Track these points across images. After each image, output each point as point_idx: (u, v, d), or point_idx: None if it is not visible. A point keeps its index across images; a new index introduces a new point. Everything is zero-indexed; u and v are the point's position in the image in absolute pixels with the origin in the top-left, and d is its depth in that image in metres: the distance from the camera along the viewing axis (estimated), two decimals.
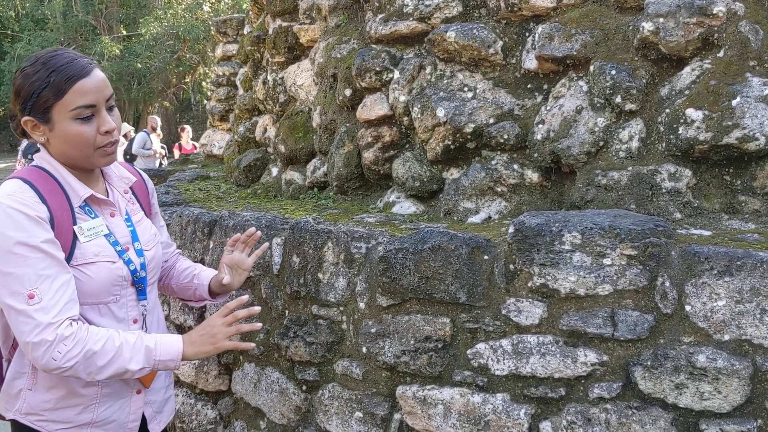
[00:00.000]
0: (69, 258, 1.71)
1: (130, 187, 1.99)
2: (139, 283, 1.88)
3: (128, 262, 1.83)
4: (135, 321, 1.89)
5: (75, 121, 1.70)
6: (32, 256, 1.62)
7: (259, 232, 2.15)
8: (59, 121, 1.70)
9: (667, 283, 1.92)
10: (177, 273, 2.22)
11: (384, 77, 3.02)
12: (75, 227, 1.75)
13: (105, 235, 1.80)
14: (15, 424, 1.83)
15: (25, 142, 8.83)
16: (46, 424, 1.79)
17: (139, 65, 22.91)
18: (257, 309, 1.91)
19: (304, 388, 2.53)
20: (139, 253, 1.88)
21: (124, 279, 1.83)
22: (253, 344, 1.95)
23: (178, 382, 3.17)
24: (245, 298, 1.91)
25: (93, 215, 1.81)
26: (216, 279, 2.14)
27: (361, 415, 2.36)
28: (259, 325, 1.96)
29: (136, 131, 14.44)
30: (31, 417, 1.79)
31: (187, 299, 2.26)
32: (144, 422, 1.97)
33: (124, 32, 25.58)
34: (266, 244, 2.19)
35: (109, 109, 1.77)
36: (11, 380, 1.81)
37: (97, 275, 1.76)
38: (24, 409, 1.79)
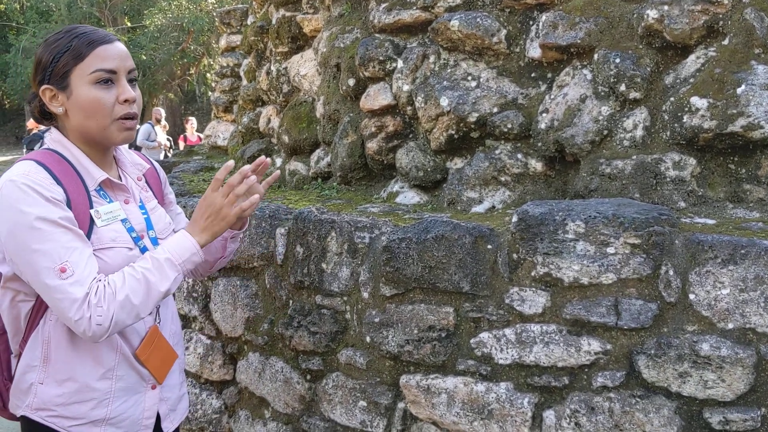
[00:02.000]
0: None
1: (143, 175, 1.93)
2: None
3: (143, 250, 1.77)
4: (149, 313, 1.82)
5: (93, 85, 1.65)
6: (54, 230, 1.57)
7: (268, 160, 2.04)
8: (77, 86, 1.65)
9: (671, 272, 1.92)
10: None
11: (387, 67, 3.01)
12: (92, 211, 1.69)
13: (121, 221, 1.75)
14: (25, 420, 1.75)
15: (34, 134, 8.84)
16: (58, 420, 1.70)
17: (144, 57, 22.91)
18: (265, 161, 1.95)
19: (308, 377, 2.54)
20: (154, 241, 1.83)
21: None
22: (258, 196, 1.85)
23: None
24: (246, 168, 1.87)
25: (109, 200, 1.76)
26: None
27: (365, 404, 2.36)
28: (257, 197, 1.87)
29: (141, 123, 14.45)
30: (42, 413, 1.70)
31: (216, 258, 2.10)
32: (158, 421, 1.89)
33: (129, 24, 25.56)
34: (277, 172, 2.10)
35: (130, 81, 1.73)
36: (22, 374, 1.72)
37: (113, 260, 1.70)
38: (35, 404, 1.71)
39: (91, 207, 1.69)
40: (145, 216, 1.84)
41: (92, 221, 1.68)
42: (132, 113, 1.71)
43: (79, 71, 1.65)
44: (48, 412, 1.70)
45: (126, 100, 1.69)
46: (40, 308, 1.69)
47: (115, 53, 1.68)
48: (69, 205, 1.63)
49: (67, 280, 1.56)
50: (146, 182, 1.94)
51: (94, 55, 1.65)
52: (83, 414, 1.71)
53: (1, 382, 1.79)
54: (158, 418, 1.88)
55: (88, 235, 1.66)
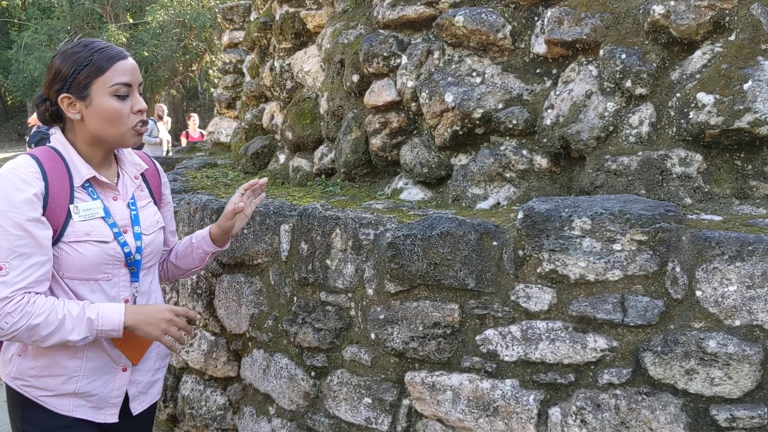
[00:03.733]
0: (61, 233, 1.81)
1: (142, 174, 2.09)
2: (132, 266, 1.97)
3: (123, 244, 1.92)
4: (126, 301, 1.97)
5: (112, 97, 1.84)
6: (14, 232, 1.72)
7: (265, 179, 2.29)
8: (97, 96, 1.83)
9: (678, 269, 1.91)
10: (175, 250, 2.31)
11: (392, 63, 3.00)
12: (71, 206, 1.84)
13: (102, 218, 1.89)
14: (7, 387, 1.94)
15: (32, 131, 8.87)
16: (31, 389, 1.89)
17: (146, 53, 22.89)
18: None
19: (312, 374, 2.54)
20: (137, 236, 1.97)
21: (116, 259, 1.91)
22: (180, 346, 1.97)
23: (186, 368, 3.18)
24: (193, 314, 2.08)
25: (95, 197, 1.91)
26: (218, 225, 2.24)
27: (369, 401, 2.36)
28: (180, 347, 2.03)
29: None
30: (17, 381, 1.90)
31: (190, 268, 2.33)
32: (127, 400, 2.04)
33: (131, 20, 25.55)
34: (263, 194, 2.34)
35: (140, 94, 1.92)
36: (8, 345, 1.94)
37: (87, 252, 1.85)
38: (13, 373, 1.90)
39: (72, 202, 1.85)
40: (134, 213, 2.00)
41: (69, 215, 1.84)
42: (143, 120, 1.92)
43: (99, 83, 1.83)
44: (22, 382, 1.90)
45: (139, 110, 1.89)
46: None
47: (130, 68, 1.87)
48: (47, 198, 1.79)
49: None
50: (144, 181, 2.11)
51: (114, 69, 1.84)
52: (53, 387, 1.89)
53: None
54: (126, 398, 2.03)
55: (64, 228, 1.82)
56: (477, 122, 2.70)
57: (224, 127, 6.33)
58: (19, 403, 1.91)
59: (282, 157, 4.15)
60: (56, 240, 1.81)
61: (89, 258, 1.86)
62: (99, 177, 1.92)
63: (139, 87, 1.91)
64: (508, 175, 2.67)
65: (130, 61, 1.89)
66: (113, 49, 1.87)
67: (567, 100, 2.50)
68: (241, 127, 5.07)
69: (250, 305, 2.73)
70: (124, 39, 23.10)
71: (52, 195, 1.80)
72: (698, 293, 1.89)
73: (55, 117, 1.90)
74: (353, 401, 2.40)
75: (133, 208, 1.99)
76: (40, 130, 8.89)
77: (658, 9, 2.31)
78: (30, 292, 1.75)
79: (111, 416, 1.97)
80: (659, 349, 1.92)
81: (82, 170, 1.89)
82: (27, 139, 8.79)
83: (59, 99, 1.84)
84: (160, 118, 12.60)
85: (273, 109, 4.42)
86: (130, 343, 1.97)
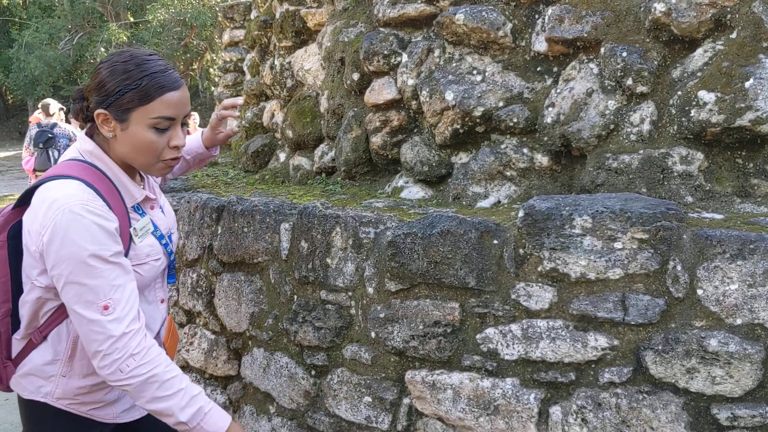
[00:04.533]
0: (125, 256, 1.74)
1: None
2: (171, 268, 1.98)
3: (170, 253, 1.93)
4: (162, 301, 1.99)
5: (151, 129, 1.70)
6: (105, 267, 1.64)
7: (240, 100, 2.32)
8: (136, 124, 1.70)
9: (679, 267, 1.90)
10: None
11: (392, 61, 2.99)
12: (131, 229, 1.77)
13: (152, 232, 1.85)
14: (36, 404, 1.85)
15: (35, 130, 8.82)
16: (78, 406, 1.85)
17: None
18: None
19: (313, 372, 2.53)
20: (170, 237, 1.96)
21: (163, 266, 1.91)
22: None
23: (187, 367, 3.18)
24: None
25: (141, 212, 1.85)
26: (207, 135, 2.38)
27: (370, 399, 2.36)
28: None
29: None
30: (63, 401, 1.83)
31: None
32: None
33: (132, 19, 25.55)
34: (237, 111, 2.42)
35: (183, 125, 1.80)
36: (43, 365, 1.81)
37: (147, 273, 1.83)
38: (57, 394, 1.82)
39: (130, 225, 1.77)
40: (164, 214, 1.98)
41: (131, 238, 1.77)
42: (177, 157, 1.79)
43: (141, 112, 1.69)
44: (69, 401, 1.83)
45: (175, 146, 1.76)
46: (65, 309, 1.74)
47: (178, 101, 1.73)
48: (119, 231, 1.69)
49: (107, 317, 1.64)
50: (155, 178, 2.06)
51: (161, 100, 1.69)
52: (100, 399, 1.86)
53: (1, 360, 1.86)
54: None
55: (127, 252, 1.74)
56: (478, 120, 2.69)
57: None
58: (51, 415, 1.85)
59: (282, 156, 4.14)
60: None
61: (147, 278, 1.84)
62: (150, 195, 1.87)
63: (185, 117, 1.79)
64: (508, 173, 2.66)
65: (182, 92, 1.74)
66: (168, 76, 1.71)
67: (568, 99, 2.50)
68: (242, 126, 5.07)
69: (250, 304, 2.73)
70: (124, 38, 23.11)
71: (121, 224, 1.72)
72: (699, 292, 1.89)
73: (87, 119, 1.79)
74: (353, 400, 2.40)
75: (162, 210, 1.97)
76: (45, 129, 8.87)
77: (660, 7, 2.31)
78: (147, 335, 1.71)
79: (144, 411, 1.97)
80: (660, 347, 1.91)
81: (134, 192, 1.81)
82: (30, 140, 8.73)
83: (96, 114, 1.71)
84: None
85: (273, 108, 4.42)
86: (173, 345, 2.07)
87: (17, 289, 1.79)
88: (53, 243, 1.61)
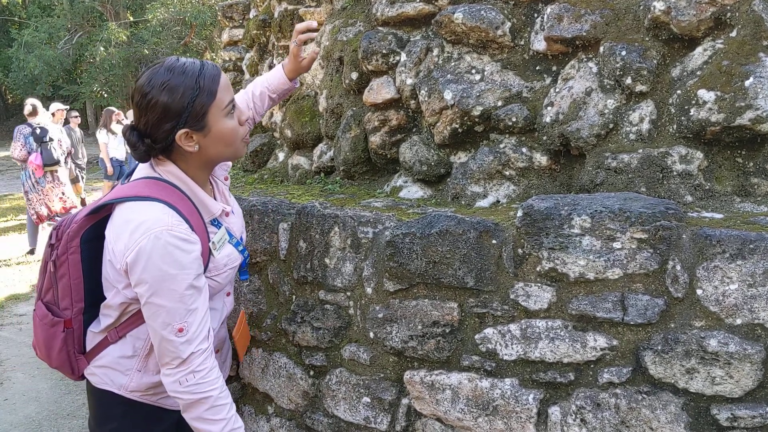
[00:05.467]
0: (204, 271, 1.82)
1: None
2: (243, 265, 2.09)
3: (243, 251, 2.02)
4: (228, 294, 2.12)
5: (227, 117, 1.77)
6: (186, 293, 1.72)
7: (314, 22, 2.34)
8: (215, 122, 1.75)
9: (678, 267, 1.89)
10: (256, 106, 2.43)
11: (391, 60, 2.98)
12: (210, 243, 1.85)
13: (229, 242, 1.95)
14: (107, 394, 1.96)
15: (26, 129, 8.86)
16: (149, 396, 1.97)
17: (147, 51, 22.89)
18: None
19: (311, 373, 2.53)
20: (242, 238, 2.06)
21: (238, 266, 2.04)
22: None
23: None
24: None
25: (217, 224, 1.92)
26: (290, 66, 2.41)
27: (368, 400, 2.35)
28: None
29: None
30: (136, 393, 1.95)
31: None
32: None
33: (131, 18, 25.54)
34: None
35: None
36: (120, 358, 1.92)
37: (223, 280, 1.94)
38: (131, 387, 1.94)
39: (209, 240, 1.85)
40: (234, 215, 2.06)
41: (210, 252, 1.85)
42: (246, 129, 1.89)
43: (215, 108, 1.74)
44: (141, 393, 1.96)
45: (245, 120, 1.87)
46: None
47: (227, 81, 1.79)
48: (200, 250, 1.77)
49: (180, 338, 1.74)
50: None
51: (220, 89, 1.75)
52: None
53: (73, 354, 1.98)
54: None
55: (206, 266, 1.84)
56: (476, 120, 2.68)
57: None
58: (122, 404, 1.96)
59: (281, 155, 4.13)
60: None
61: (223, 284, 1.95)
62: (226, 208, 1.95)
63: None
64: (507, 173, 2.66)
65: (223, 73, 1.79)
66: (207, 66, 1.75)
67: (567, 98, 2.49)
68: None
69: (248, 304, 2.72)
70: (124, 37, 23.10)
71: (202, 243, 1.79)
72: (699, 292, 1.88)
73: (163, 152, 1.78)
74: (352, 400, 2.39)
75: (232, 212, 2.04)
76: (41, 126, 8.93)
77: (659, 5, 2.30)
78: (212, 354, 1.82)
79: None
80: (660, 347, 1.90)
81: (212, 207, 1.88)
82: (24, 134, 8.74)
83: (177, 136, 1.72)
84: None
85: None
86: (243, 341, 2.25)
87: (90, 290, 1.90)
88: (137, 264, 1.68)
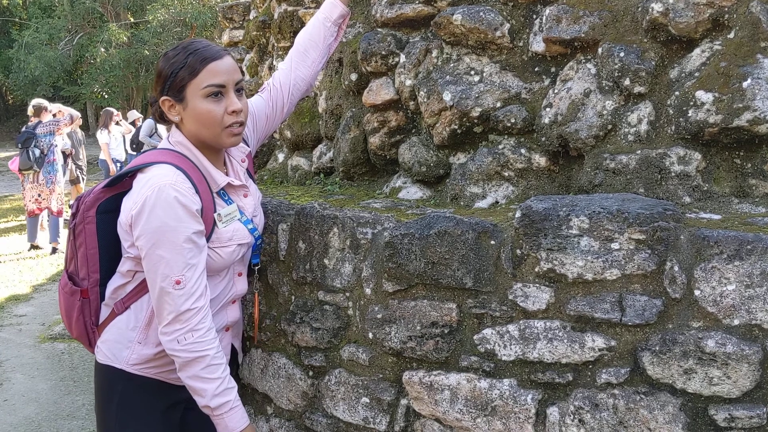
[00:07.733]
0: (207, 239, 1.91)
1: (246, 156, 2.19)
2: (255, 249, 2.20)
3: (258, 238, 2.16)
4: (240, 274, 2.20)
5: (205, 99, 1.87)
6: (185, 246, 1.81)
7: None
8: (191, 99, 1.87)
9: (676, 268, 1.90)
10: (295, 78, 2.52)
11: (390, 61, 2.99)
12: (215, 214, 1.95)
13: (239, 219, 2.04)
14: (109, 369, 2.02)
15: (23, 131, 9.04)
16: (151, 369, 2.03)
17: (147, 52, 22.90)
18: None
19: (310, 373, 2.53)
20: (253, 220, 2.15)
21: (248, 247, 2.11)
22: None
23: None
24: None
25: (228, 199, 2.01)
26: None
27: (367, 400, 2.35)
28: None
29: (144, 118, 14.44)
30: (137, 366, 2.02)
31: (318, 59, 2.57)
32: (233, 354, 2.34)
33: (132, 19, 25.57)
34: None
35: (238, 92, 1.93)
36: (125, 329, 2.01)
37: (228, 256, 2.01)
38: (132, 360, 2.01)
39: (215, 210, 1.95)
40: (252, 198, 2.16)
41: (214, 223, 1.95)
42: (239, 121, 1.94)
43: (193, 86, 1.86)
44: (142, 366, 2.02)
45: (234, 111, 1.91)
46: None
47: (225, 68, 1.88)
48: (201, 211, 1.88)
49: (177, 291, 1.82)
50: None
51: (207, 71, 1.85)
52: (171, 362, 1.98)
53: (89, 325, 2.07)
54: (234, 352, 2.37)
55: (210, 235, 1.93)
56: (475, 121, 2.69)
57: None
58: (123, 379, 2.02)
59: (281, 156, 4.14)
60: None
61: (228, 260, 2.01)
62: (233, 182, 2.01)
63: (237, 85, 1.92)
64: (506, 173, 2.66)
65: (226, 60, 1.89)
66: (210, 49, 1.88)
67: (565, 99, 2.49)
68: None
69: (248, 304, 2.72)
70: (124, 38, 23.11)
71: (205, 207, 1.89)
72: (697, 292, 1.88)
73: (162, 118, 1.96)
74: (351, 401, 2.40)
75: (250, 197, 2.14)
76: (27, 130, 9.13)
77: (657, 7, 2.30)
78: (209, 315, 1.89)
79: None
80: (657, 348, 1.91)
81: (217, 178, 1.98)
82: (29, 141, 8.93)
83: (161, 102, 1.92)
84: None
85: None
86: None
87: (107, 262, 2.00)
88: (141, 216, 1.79)
